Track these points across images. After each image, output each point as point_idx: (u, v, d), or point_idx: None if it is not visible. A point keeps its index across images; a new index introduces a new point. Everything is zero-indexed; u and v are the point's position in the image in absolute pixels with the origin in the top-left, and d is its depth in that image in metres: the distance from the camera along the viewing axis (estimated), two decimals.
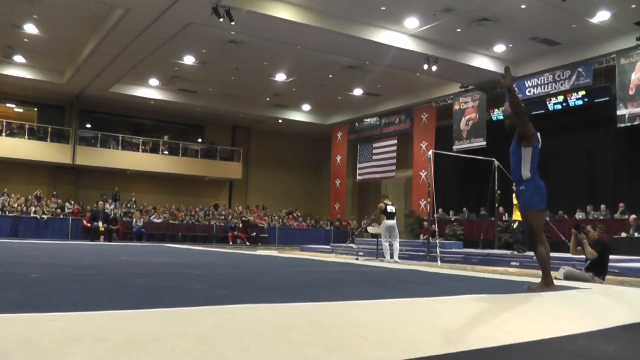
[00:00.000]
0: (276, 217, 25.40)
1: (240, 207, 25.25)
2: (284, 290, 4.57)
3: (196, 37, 16.68)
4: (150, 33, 15.73)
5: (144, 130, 26.23)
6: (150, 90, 23.02)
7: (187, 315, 2.87)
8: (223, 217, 23.80)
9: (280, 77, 20.86)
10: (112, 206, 21.75)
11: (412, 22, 15.45)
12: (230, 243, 21.18)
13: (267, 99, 24.09)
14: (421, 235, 18.04)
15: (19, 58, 19.77)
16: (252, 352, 2.04)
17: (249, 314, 2.92)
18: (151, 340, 2.15)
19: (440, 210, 18.51)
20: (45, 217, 19.64)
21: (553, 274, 4.89)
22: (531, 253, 11.14)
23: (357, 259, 12.42)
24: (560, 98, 17.06)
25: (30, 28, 16.76)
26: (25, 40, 17.86)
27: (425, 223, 16.42)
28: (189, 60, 19.16)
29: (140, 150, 24.91)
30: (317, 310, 3.24)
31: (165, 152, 25.77)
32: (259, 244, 21.40)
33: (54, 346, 2.00)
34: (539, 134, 4.64)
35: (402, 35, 16.24)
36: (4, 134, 22.28)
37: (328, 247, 17.56)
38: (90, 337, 2.16)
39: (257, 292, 4.30)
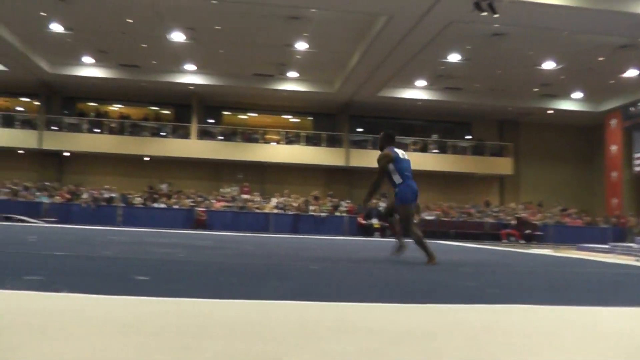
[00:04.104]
0: (549, 214, 23.90)
1: (513, 204, 24.36)
2: (560, 291, 4.31)
3: (459, 34, 16.59)
4: (413, 36, 16.12)
5: (412, 130, 26.88)
6: (417, 91, 23.57)
7: (457, 312, 2.87)
8: (495, 214, 23.21)
9: (547, 65, 19.64)
10: (385, 204, 22.73)
11: None
12: (504, 241, 20.56)
13: (535, 89, 22.86)
14: None
15: (292, 73, 21.98)
16: (523, 354, 1.97)
17: (522, 315, 2.82)
18: (421, 335, 2.18)
19: None
20: (323, 215, 21.44)
21: None
22: None
23: (637, 260, 11.06)
24: None
25: (301, 45, 18.51)
26: (298, 57, 19.76)
27: None
28: (453, 58, 19.16)
29: (411, 149, 25.63)
30: (597, 316, 3.00)
31: (435, 151, 26.10)
32: (533, 242, 20.38)
33: (327, 334, 2.12)
34: (398, 150, 6.43)
35: None
36: (283, 142, 25.04)
37: (607, 246, 15.92)
38: (363, 328, 2.26)
39: (529, 292, 4.11)
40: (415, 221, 6.53)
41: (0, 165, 23.71)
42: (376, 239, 18.76)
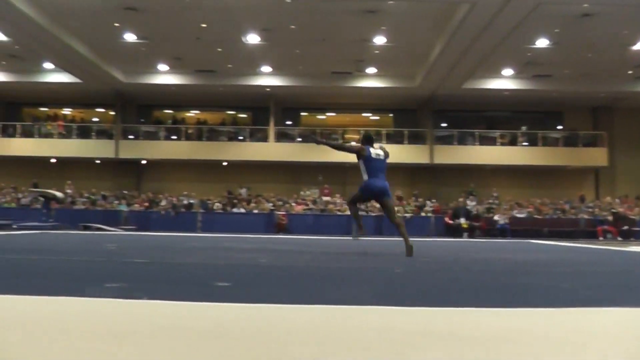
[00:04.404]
0: None
1: (609, 198, 22.97)
2: None
3: (547, 17, 15.79)
4: (498, 22, 15.47)
5: (498, 122, 25.89)
6: (504, 81, 22.67)
7: (547, 315, 2.68)
8: (590, 210, 21.91)
9: None
10: (474, 202, 21.90)
11: None
12: (600, 238, 19.35)
13: (629, 72, 21.43)
14: None
15: (370, 69, 21.70)
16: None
17: (620, 319, 2.63)
18: (509, 340, 2.06)
19: None
20: (407, 215, 20.25)
21: None
22: None
23: None
24: None
25: (379, 40, 18.19)
26: (376, 52, 19.42)
27: None
28: (541, 43, 18.28)
29: (499, 143, 24.72)
30: None
31: (524, 144, 25.01)
32: (631, 239, 19.07)
33: (410, 338, 2.07)
34: (373, 150, 7.17)
35: None
36: None
37: None
38: (445, 332, 2.18)
39: (629, 294, 3.76)
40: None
41: (77, 176, 24.64)
42: (464, 239, 18.15)
